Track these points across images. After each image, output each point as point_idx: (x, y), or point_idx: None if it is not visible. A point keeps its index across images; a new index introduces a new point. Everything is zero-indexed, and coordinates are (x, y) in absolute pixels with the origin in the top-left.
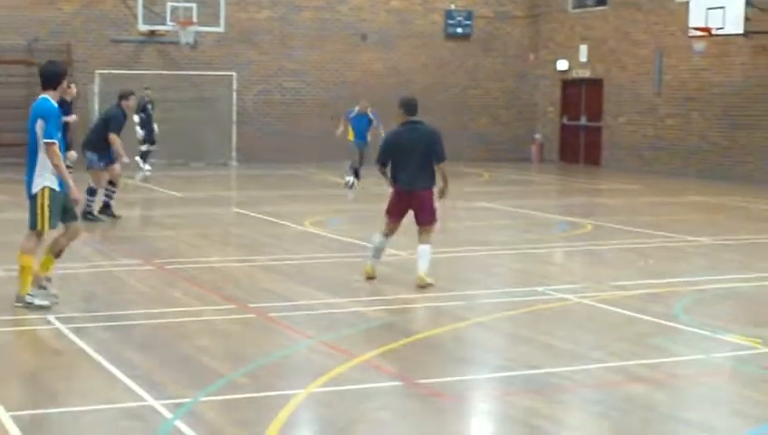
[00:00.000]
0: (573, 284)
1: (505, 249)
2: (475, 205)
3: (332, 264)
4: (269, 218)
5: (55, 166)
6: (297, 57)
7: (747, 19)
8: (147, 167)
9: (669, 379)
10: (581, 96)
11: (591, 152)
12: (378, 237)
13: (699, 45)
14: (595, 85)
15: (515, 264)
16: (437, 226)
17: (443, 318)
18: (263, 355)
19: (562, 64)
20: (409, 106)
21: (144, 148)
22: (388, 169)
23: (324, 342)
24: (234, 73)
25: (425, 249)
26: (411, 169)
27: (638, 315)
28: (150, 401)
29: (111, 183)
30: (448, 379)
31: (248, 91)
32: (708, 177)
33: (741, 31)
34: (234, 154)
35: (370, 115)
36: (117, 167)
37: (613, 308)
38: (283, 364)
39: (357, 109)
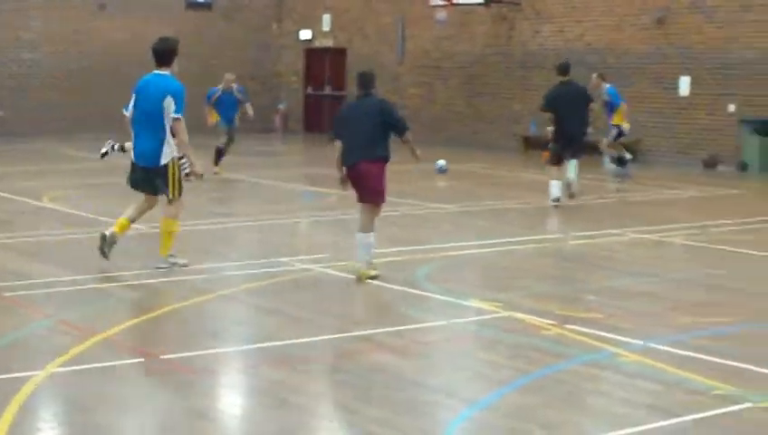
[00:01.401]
0: (318, 254)
1: (249, 221)
2: (219, 176)
3: (72, 240)
4: (4, 195)
5: (182, 141)
6: (33, 27)
7: None
8: None
9: (413, 346)
10: (325, 66)
11: None
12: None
13: (441, 15)
14: (339, 55)
15: (260, 235)
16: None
17: (186, 292)
18: None
19: (305, 34)
20: (361, 80)
21: None
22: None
23: (64, 320)
24: None
25: (362, 238)
26: (355, 143)
27: (383, 284)
28: None
29: None
30: (193, 353)
31: None
32: (452, 145)
33: (481, 0)
34: None
35: (236, 93)
36: None
37: None
38: (19, 345)
39: (220, 87)
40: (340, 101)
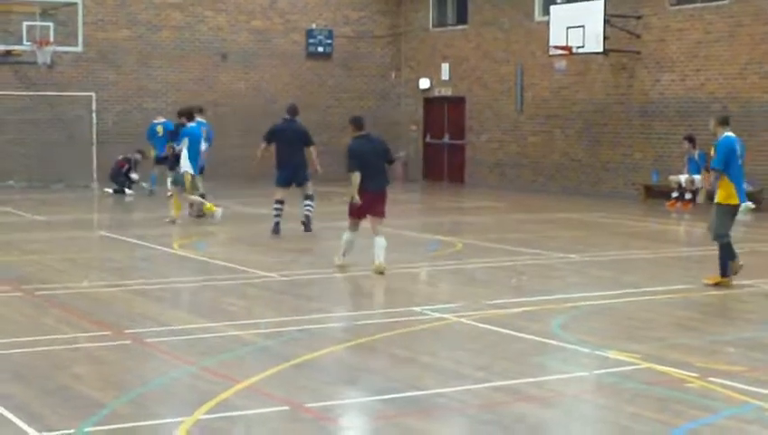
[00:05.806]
0: (450, 303)
1: None
2: (338, 225)
3: (204, 287)
4: (136, 241)
5: None
6: (157, 77)
7: (606, 38)
8: None
9: (556, 397)
10: (444, 114)
11: (455, 170)
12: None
13: (560, 64)
14: (457, 103)
15: (390, 284)
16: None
17: (321, 340)
18: (143, 383)
19: (424, 83)
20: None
21: None
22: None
23: (205, 367)
24: (93, 94)
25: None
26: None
27: (518, 334)
28: (33, 433)
29: None
30: (335, 402)
31: (108, 112)
32: (571, 193)
33: (600, 49)
34: (95, 175)
35: None
36: None
37: (492, 327)
38: (165, 391)
39: None
40: (460, 149)
